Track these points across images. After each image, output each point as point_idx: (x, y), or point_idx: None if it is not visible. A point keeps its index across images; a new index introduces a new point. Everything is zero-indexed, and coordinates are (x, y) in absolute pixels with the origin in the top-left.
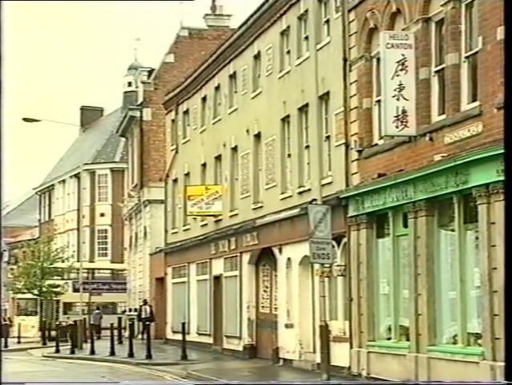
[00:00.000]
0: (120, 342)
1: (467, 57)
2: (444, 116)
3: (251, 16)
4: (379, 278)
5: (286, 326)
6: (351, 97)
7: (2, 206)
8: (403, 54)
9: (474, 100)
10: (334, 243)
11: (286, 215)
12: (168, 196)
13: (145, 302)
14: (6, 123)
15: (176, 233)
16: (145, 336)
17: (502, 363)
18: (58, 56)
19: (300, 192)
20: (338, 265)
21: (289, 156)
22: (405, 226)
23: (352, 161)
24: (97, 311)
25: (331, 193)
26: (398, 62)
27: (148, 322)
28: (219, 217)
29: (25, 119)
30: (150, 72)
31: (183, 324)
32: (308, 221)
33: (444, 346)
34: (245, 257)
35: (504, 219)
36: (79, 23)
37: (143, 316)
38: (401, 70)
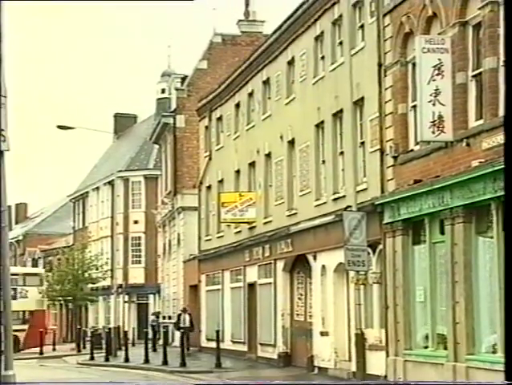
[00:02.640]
0: (154, 350)
1: (505, 61)
2: (481, 121)
3: (285, 22)
4: (416, 286)
5: (321, 333)
6: (386, 102)
7: (37, 214)
8: (439, 59)
9: None
10: (369, 250)
11: (320, 222)
12: (201, 203)
13: (185, 310)
14: (41, 131)
15: (209, 240)
16: (186, 346)
17: None
18: (92, 63)
19: (335, 199)
20: (373, 273)
21: (323, 162)
22: (442, 233)
23: (388, 167)
24: (154, 318)
25: (366, 200)
26: (434, 66)
27: (187, 332)
28: (253, 224)
29: (59, 127)
30: (183, 79)
31: (217, 332)
32: (343, 228)
33: (483, 356)
34: (280, 265)
35: (504, 221)
36: (113, 30)
37: (181, 325)
38: (437, 74)
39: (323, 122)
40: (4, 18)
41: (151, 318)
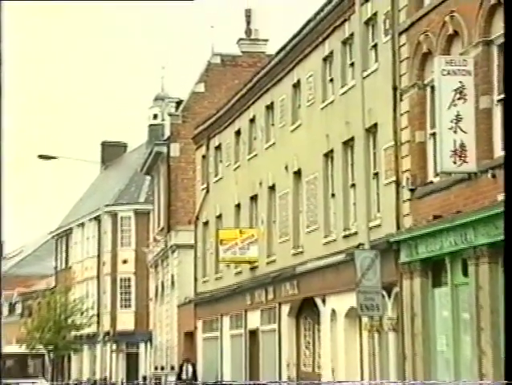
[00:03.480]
0: None
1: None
2: None
3: (290, 41)
4: (437, 334)
5: None
6: (402, 130)
7: (15, 252)
8: (460, 82)
9: None
10: (384, 293)
11: (329, 261)
12: (198, 241)
13: (188, 360)
14: (20, 161)
15: (207, 281)
16: None
17: None
18: (77, 87)
19: (345, 236)
20: (389, 319)
21: (333, 195)
22: (465, 274)
23: (404, 201)
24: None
25: (380, 237)
26: (455, 90)
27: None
28: (255, 264)
29: (40, 156)
30: (178, 103)
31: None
32: (355, 268)
33: None
34: (285, 309)
35: (504, 224)
36: (100, 49)
37: (184, 376)
38: (459, 99)
39: (332, 151)
40: (4, 18)
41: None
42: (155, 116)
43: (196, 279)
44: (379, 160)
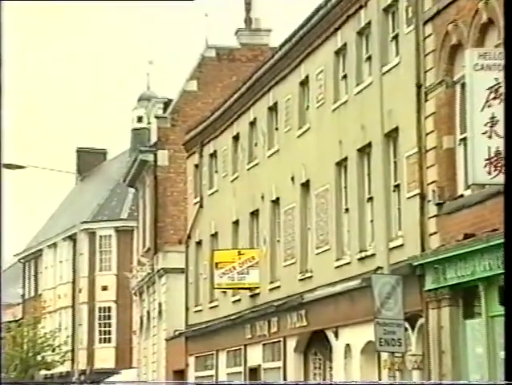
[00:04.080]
0: None
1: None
2: None
3: (297, 31)
4: (469, 373)
5: None
6: (427, 134)
7: None
8: (496, 78)
9: None
10: (407, 325)
11: (343, 288)
12: (189, 264)
13: None
14: None
15: (200, 311)
16: None
17: None
18: (50, 84)
19: (361, 259)
20: (412, 355)
21: (346, 210)
22: (502, 303)
23: (430, 218)
24: None
25: (401, 260)
26: (490, 88)
27: None
28: (256, 291)
29: (6, 166)
30: (166, 104)
31: None
32: (372, 297)
33: None
34: (291, 344)
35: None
36: (78, 39)
37: None
38: (494, 98)
39: (345, 159)
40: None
41: None
42: (139, 119)
43: (187, 308)
44: (400, 169)
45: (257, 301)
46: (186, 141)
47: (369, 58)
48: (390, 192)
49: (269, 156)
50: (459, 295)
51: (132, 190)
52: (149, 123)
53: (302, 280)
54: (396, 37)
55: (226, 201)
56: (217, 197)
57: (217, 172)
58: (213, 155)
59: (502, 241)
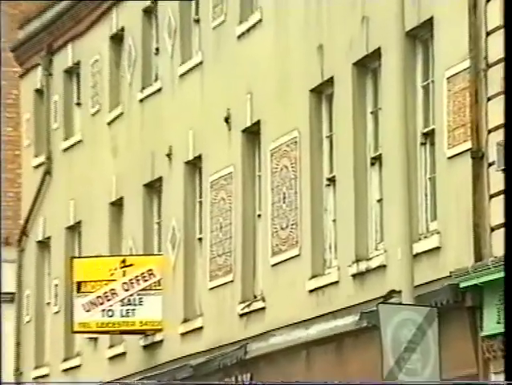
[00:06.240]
0: None
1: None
2: None
3: None
4: None
5: None
6: None
7: None
8: None
9: None
10: None
11: (323, 331)
12: (24, 285)
13: None
14: None
15: (42, 377)
16: None
17: None
18: None
19: (358, 274)
20: None
21: (331, 180)
22: None
23: (492, 196)
24: None
25: (437, 277)
26: None
27: None
28: (156, 337)
29: None
30: None
31: None
32: (380, 346)
33: None
34: None
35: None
36: None
37: None
38: None
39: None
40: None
41: None
42: None
43: (18, 372)
44: (438, 102)
45: (158, 357)
46: (18, 45)
47: None
48: (414, 145)
49: (186, 73)
50: None
51: None
52: None
53: (245, 315)
54: None
55: (98, 163)
56: (81, 155)
57: (79, 104)
58: (72, 71)
59: None
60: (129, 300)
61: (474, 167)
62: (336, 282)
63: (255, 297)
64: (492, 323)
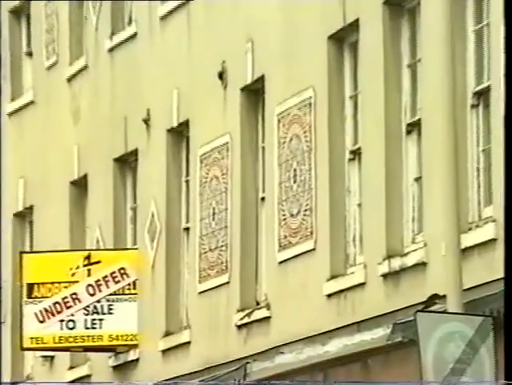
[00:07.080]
0: None
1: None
2: None
3: None
4: None
5: None
6: None
7: None
8: None
9: None
10: None
11: (344, 347)
12: None
13: None
14: None
15: None
16: None
17: None
18: None
19: (389, 274)
20: None
21: (354, 154)
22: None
23: None
24: None
25: (493, 278)
26: None
27: None
28: (131, 355)
29: None
30: None
31: None
32: (420, 366)
33: None
34: None
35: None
36: None
37: None
38: None
39: None
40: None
41: None
42: None
43: None
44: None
45: (132, 381)
46: None
47: None
48: (463, 108)
49: (169, 14)
50: None
51: None
52: None
53: (244, 327)
54: None
55: (55, 131)
56: (33, 121)
57: (30, 54)
58: (21, 12)
59: None
60: (95, 307)
61: None
62: (362, 284)
63: (258, 303)
64: None
